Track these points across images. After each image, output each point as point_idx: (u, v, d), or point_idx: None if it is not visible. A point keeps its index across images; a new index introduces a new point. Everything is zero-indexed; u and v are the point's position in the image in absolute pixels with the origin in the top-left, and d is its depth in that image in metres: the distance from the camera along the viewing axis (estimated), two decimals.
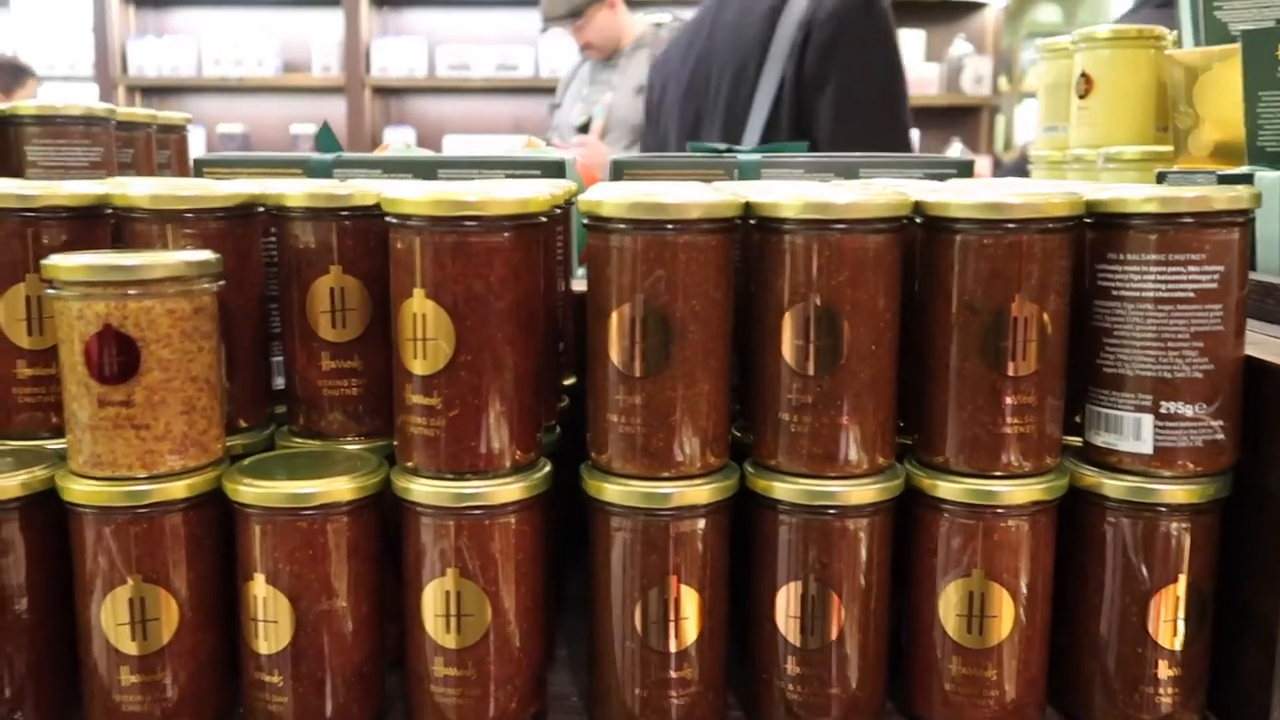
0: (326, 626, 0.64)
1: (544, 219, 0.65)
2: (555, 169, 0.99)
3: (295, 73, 3.71)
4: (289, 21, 3.77)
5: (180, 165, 1.22)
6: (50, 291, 0.63)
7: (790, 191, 0.64)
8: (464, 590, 0.64)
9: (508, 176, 0.99)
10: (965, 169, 1.06)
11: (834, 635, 0.64)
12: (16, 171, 1.01)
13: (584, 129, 2.68)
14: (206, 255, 0.65)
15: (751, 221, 0.65)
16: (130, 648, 0.63)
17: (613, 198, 0.62)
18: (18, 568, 0.65)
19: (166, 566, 0.63)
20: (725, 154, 1.10)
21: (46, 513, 0.65)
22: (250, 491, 0.63)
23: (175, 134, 1.22)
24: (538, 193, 0.64)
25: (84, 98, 1.05)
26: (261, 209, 0.72)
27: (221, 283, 0.66)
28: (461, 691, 0.64)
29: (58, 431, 0.69)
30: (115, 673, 0.64)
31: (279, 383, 0.75)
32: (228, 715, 0.67)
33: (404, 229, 0.63)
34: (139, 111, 1.14)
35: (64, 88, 3.79)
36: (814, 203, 0.62)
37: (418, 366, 0.63)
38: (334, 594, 0.64)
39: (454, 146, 3.56)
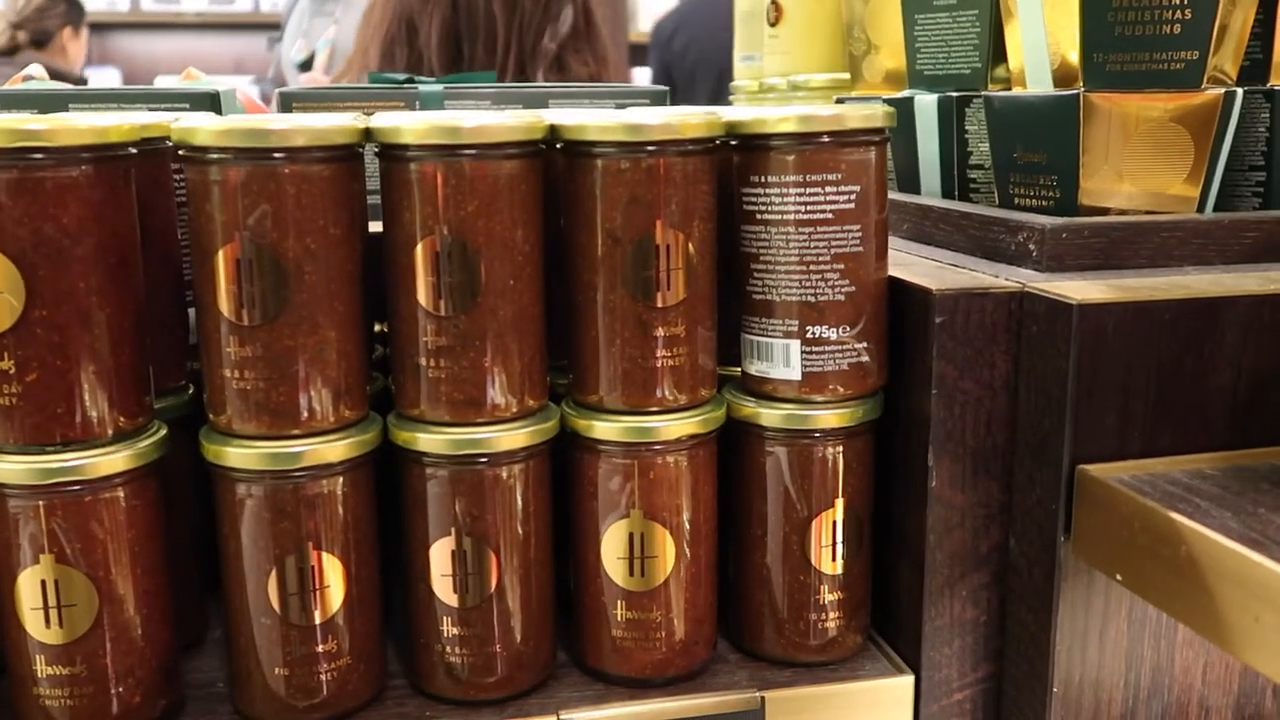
0: None
1: (133, 150, 0.57)
2: (207, 102, 0.90)
3: None
4: None
5: None
6: None
7: (412, 117, 0.59)
8: (63, 578, 0.56)
9: (152, 110, 0.89)
10: (659, 98, 1.03)
11: (491, 590, 0.61)
12: None
13: (306, 66, 2.52)
14: None
15: (375, 150, 0.59)
16: None
17: (208, 125, 0.55)
18: None
19: None
20: (406, 84, 1.03)
21: None
22: None
23: None
24: (121, 121, 0.56)
25: None
26: None
27: None
28: (72, 691, 0.57)
29: None
30: None
31: None
32: None
33: None
34: None
35: None
36: (439, 126, 0.57)
37: None
38: None
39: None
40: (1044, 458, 0.60)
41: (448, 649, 0.61)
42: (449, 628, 0.61)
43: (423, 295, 0.58)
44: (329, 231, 0.57)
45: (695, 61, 1.85)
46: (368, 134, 0.58)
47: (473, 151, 0.57)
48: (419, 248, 0.58)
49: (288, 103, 0.96)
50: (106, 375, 0.56)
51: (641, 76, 3.34)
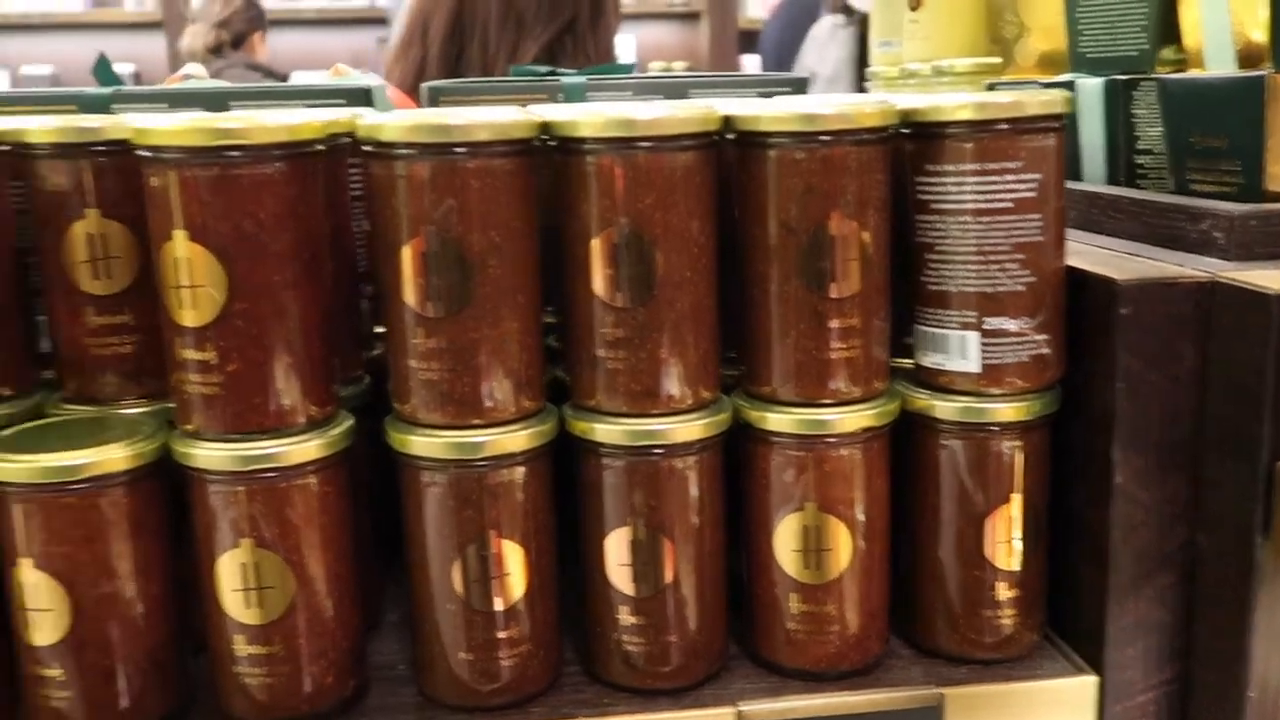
0: (110, 612, 0.57)
1: (321, 147, 0.59)
2: (361, 97, 0.92)
3: (106, 8, 3.45)
4: None
5: None
6: None
7: (590, 109, 0.59)
8: (262, 561, 0.58)
9: (308, 108, 0.91)
10: (800, 86, 1.03)
11: (667, 580, 0.61)
12: None
13: None
14: None
15: (553, 143, 0.60)
16: None
17: (394, 120, 0.56)
18: None
19: None
20: (548, 77, 1.04)
21: None
22: (8, 468, 0.56)
23: None
24: (311, 118, 0.57)
25: None
26: (5, 148, 0.63)
27: None
28: (269, 670, 0.59)
29: None
30: None
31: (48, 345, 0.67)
32: (7, 713, 0.60)
33: (158, 163, 0.56)
34: None
35: None
36: (615, 119, 0.57)
37: (187, 317, 0.56)
38: (115, 575, 0.58)
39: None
40: (1239, 453, 0.58)
41: (624, 638, 0.62)
42: (625, 616, 0.62)
43: (600, 287, 0.59)
44: (511, 224, 0.58)
45: None
46: (545, 128, 0.59)
47: (649, 144, 0.58)
48: (596, 240, 0.58)
49: (435, 97, 0.98)
50: (300, 365, 0.58)
51: (750, 65, 3.32)
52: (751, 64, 3.29)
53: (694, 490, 0.61)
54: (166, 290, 0.57)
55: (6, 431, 0.60)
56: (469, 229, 0.57)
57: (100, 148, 0.62)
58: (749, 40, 3.31)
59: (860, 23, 1.96)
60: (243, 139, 0.55)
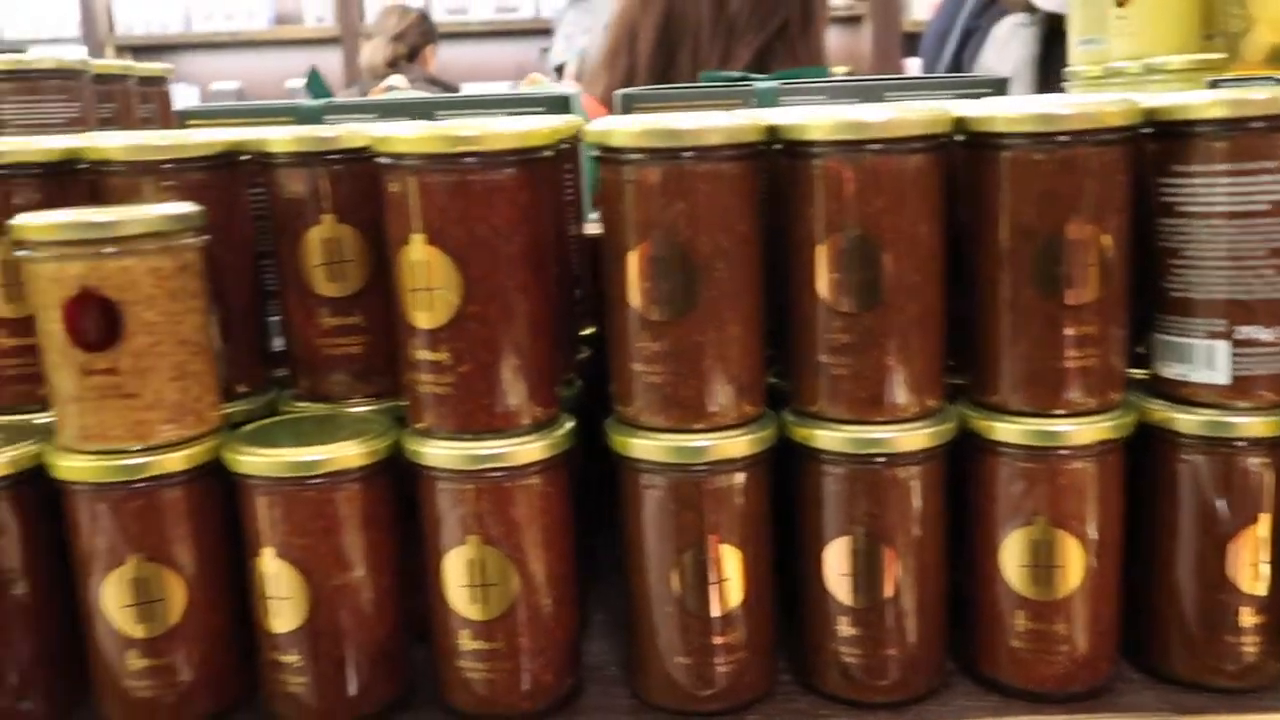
0: (344, 602, 0.60)
1: (549, 154, 0.60)
2: (559, 104, 0.93)
3: (288, 25, 3.62)
4: None
5: (164, 120, 1.16)
6: (21, 254, 0.58)
7: (818, 112, 0.58)
8: (488, 558, 0.59)
9: (509, 115, 0.93)
10: (999, 87, 1.00)
11: (888, 592, 0.60)
12: None
13: (560, 72, 2.60)
14: (188, 208, 0.60)
15: (778, 147, 0.59)
16: (136, 631, 0.59)
17: (623, 126, 0.57)
18: (13, 550, 0.60)
19: (169, 544, 0.59)
20: (740, 82, 1.04)
21: (39, 491, 0.60)
22: (252, 461, 0.58)
23: (157, 87, 1.16)
24: (540, 125, 0.58)
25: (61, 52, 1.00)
26: (246, 158, 0.67)
27: (206, 237, 0.61)
28: (491, 665, 0.60)
29: (45, 405, 0.65)
30: (122, 657, 0.59)
31: (279, 345, 0.70)
32: (243, 698, 0.63)
33: (397, 170, 0.58)
34: (116, 64, 1.08)
35: (51, 51, 3.71)
36: (846, 122, 0.56)
37: (421, 319, 0.58)
38: (349, 567, 0.60)
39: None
40: None
41: (842, 649, 0.61)
42: (844, 627, 0.60)
43: (826, 292, 0.58)
44: (737, 228, 0.58)
45: None
46: (772, 131, 0.59)
47: (880, 146, 0.56)
48: (822, 245, 0.58)
49: (630, 104, 0.99)
50: (527, 368, 0.59)
51: (913, 68, 3.25)
52: (914, 67, 3.22)
53: (917, 501, 0.59)
54: (403, 293, 0.59)
55: (247, 427, 0.63)
56: (697, 233, 0.57)
57: (335, 156, 0.64)
58: (912, 43, 3.25)
59: (1042, 22, 1.89)
60: (479, 146, 0.56)
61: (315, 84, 1.01)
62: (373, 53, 3.00)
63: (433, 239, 0.57)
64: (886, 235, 0.57)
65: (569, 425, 0.61)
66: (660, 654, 0.61)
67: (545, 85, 1.14)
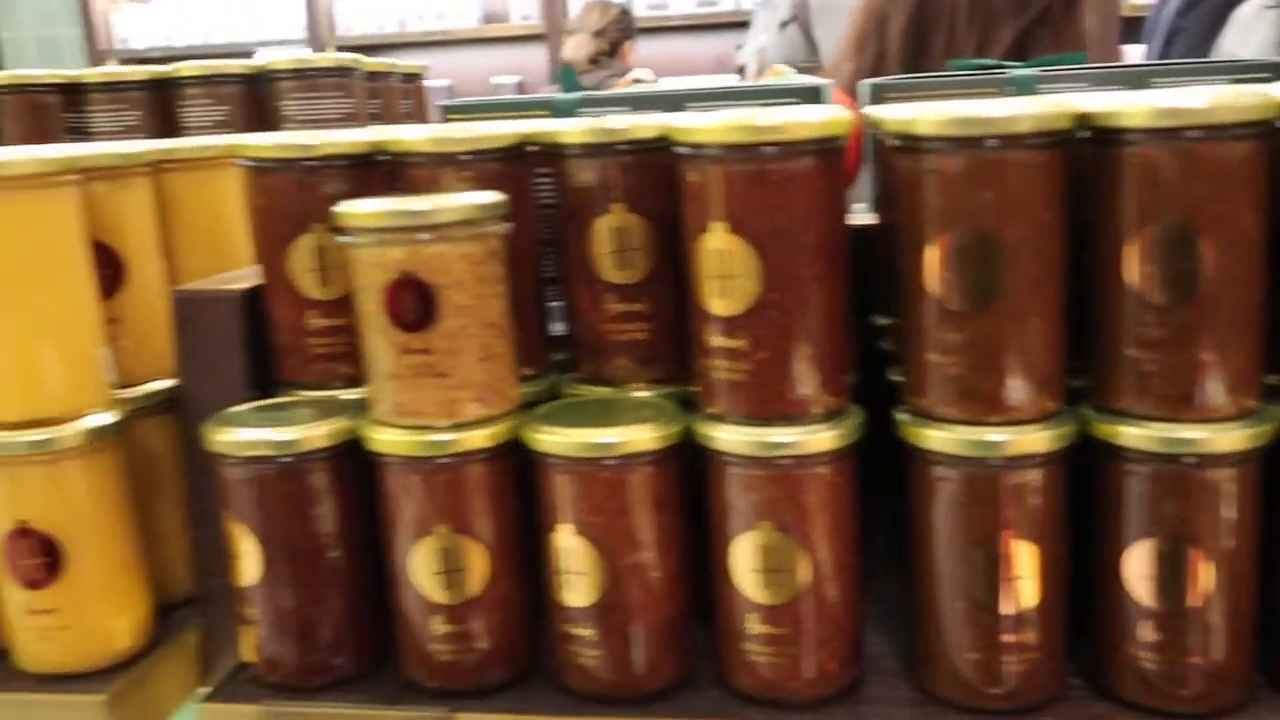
0: (636, 580, 0.61)
1: (843, 143, 0.60)
2: (811, 95, 0.93)
3: (495, 24, 3.74)
4: None
5: (420, 114, 1.22)
6: (343, 240, 0.62)
7: (1130, 98, 0.56)
8: (777, 544, 0.60)
9: (763, 105, 0.93)
10: (1277, 71, 0.94)
11: (1196, 599, 0.57)
12: (271, 126, 1.02)
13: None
14: (494, 197, 0.63)
15: (1086, 134, 0.57)
16: (441, 597, 0.62)
17: (927, 115, 0.56)
18: (330, 517, 0.65)
19: (474, 516, 0.62)
20: (993, 70, 1.01)
21: (354, 462, 0.64)
22: (552, 440, 0.61)
23: (414, 83, 1.22)
24: (837, 114, 0.58)
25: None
26: (534, 149, 0.69)
27: (510, 225, 0.63)
28: (777, 650, 0.61)
29: (349, 381, 0.69)
30: (427, 622, 0.63)
31: (558, 329, 0.73)
32: (535, 667, 0.66)
33: (697, 159, 0.59)
34: (381, 62, 1.14)
35: (278, 52, 3.94)
36: (1165, 109, 0.54)
37: (719, 307, 0.59)
38: (641, 547, 0.61)
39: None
40: None
41: (1141, 655, 0.59)
42: (1145, 632, 0.58)
43: (1139, 283, 0.56)
44: (1043, 218, 0.56)
45: None
46: (1081, 119, 0.57)
47: (1200, 133, 0.54)
48: (1137, 235, 0.56)
49: (879, 94, 0.98)
50: (820, 357, 0.59)
51: (1134, 55, 3.09)
52: (1135, 54, 3.06)
53: (1231, 505, 0.57)
54: (701, 280, 0.60)
55: (541, 408, 0.66)
56: (1003, 223, 0.56)
57: (624, 147, 0.66)
58: (1132, 29, 3.09)
59: None
60: (780, 135, 0.57)
61: (568, 79, 1.04)
62: (575, 48, 3.07)
63: (733, 227, 0.58)
64: (1206, 226, 0.55)
65: (860, 416, 0.61)
66: (948, 649, 0.60)
67: (788, 76, 1.13)
